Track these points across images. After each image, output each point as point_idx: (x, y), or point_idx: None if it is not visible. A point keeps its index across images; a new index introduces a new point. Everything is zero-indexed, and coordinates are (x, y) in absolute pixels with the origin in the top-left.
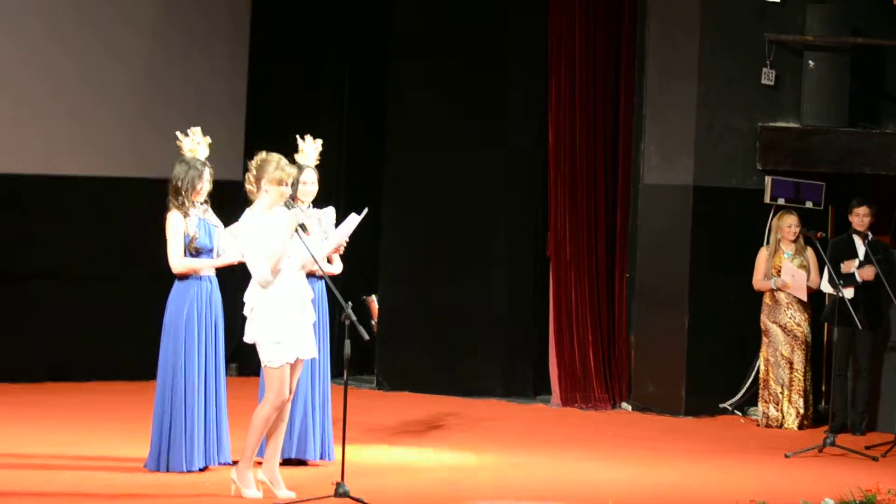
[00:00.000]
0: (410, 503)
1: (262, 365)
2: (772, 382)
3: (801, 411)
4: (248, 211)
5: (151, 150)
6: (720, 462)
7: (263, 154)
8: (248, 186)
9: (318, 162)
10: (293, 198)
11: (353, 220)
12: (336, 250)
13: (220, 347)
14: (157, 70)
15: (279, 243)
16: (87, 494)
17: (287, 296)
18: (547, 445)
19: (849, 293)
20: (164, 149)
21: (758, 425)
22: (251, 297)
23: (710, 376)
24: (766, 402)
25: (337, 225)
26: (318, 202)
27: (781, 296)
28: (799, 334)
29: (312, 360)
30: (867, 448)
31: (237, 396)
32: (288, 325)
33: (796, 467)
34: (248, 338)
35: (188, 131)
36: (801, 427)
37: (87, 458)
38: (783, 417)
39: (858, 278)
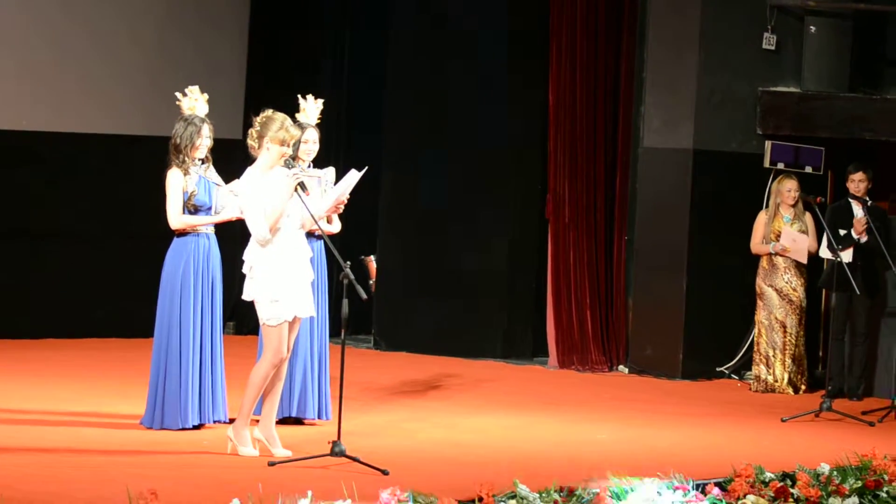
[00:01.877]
0: (407, 463)
1: (261, 323)
2: (764, 345)
3: (795, 375)
4: (249, 169)
5: (155, 109)
6: (717, 426)
7: (269, 112)
8: (249, 142)
9: (319, 121)
10: (294, 157)
11: (353, 177)
12: (335, 209)
13: (218, 304)
14: (161, 31)
15: (278, 203)
16: (83, 450)
17: (286, 254)
18: (545, 407)
19: (847, 255)
20: (169, 107)
21: (751, 389)
22: (250, 255)
23: (708, 340)
24: (758, 365)
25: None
26: (319, 161)
27: (779, 260)
28: (794, 298)
29: (311, 319)
30: (864, 413)
31: (234, 354)
32: (286, 284)
33: (793, 432)
34: (246, 295)
35: (186, 90)
36: (796, 391)
37: (83, 415)
38: (776, 381)
39: (854, 234)
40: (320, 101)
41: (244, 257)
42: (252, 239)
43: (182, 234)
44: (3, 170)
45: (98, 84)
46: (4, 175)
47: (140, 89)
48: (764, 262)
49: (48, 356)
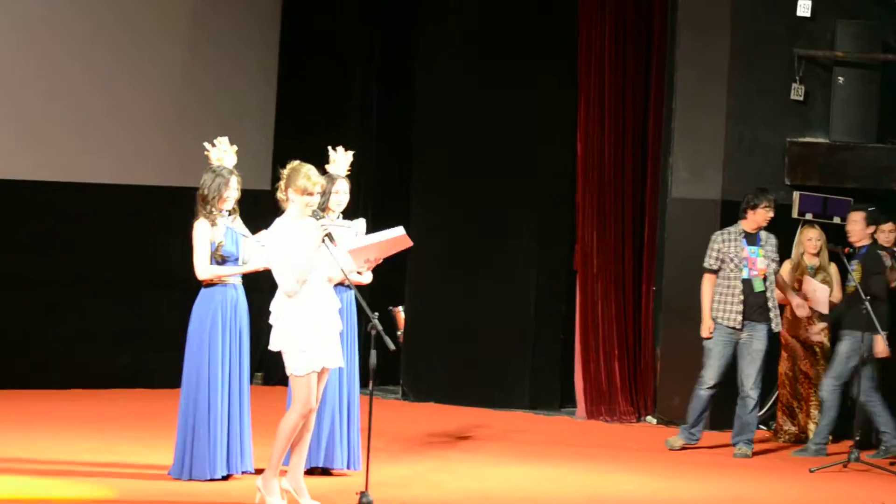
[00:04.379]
0: None
1: (289, 373)
2: (787, 396)
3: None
4: (278, 220)
5: (185, 159)
6: (744, 476)
7: (295, 163)
8: (279, 195)
9: (349, 172)
10: (324, 208)
11: (395, 233)
12: (369, 264)
13: (245, 355)
14: (190, 82)
15: (306, 255)
16: (111, 501)
17: (314, 305)
18: (573, 457)
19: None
20: (197, 157)
21: (777, 439)
22: (277, 305)
23: (737, 390)
24: (783, 416)
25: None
26: (348, 213)
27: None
28: (818, 349)
29: (340, 370)
30: (892, 464)
31: (262, 405)
32: (314, 334)
33: (821, 482)
34: (273, 346)
35: (215, 141)
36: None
37: (111, 465)
38: (801, 432)
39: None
40: (350, 153)
41: (271, 307)
42: (279, 289)
43: (209, 284)
44: (23, 220)
45: (124, 133)
46: (25, 225)
47: (175, 138)
48: (787, 313)
49: (74, 406)
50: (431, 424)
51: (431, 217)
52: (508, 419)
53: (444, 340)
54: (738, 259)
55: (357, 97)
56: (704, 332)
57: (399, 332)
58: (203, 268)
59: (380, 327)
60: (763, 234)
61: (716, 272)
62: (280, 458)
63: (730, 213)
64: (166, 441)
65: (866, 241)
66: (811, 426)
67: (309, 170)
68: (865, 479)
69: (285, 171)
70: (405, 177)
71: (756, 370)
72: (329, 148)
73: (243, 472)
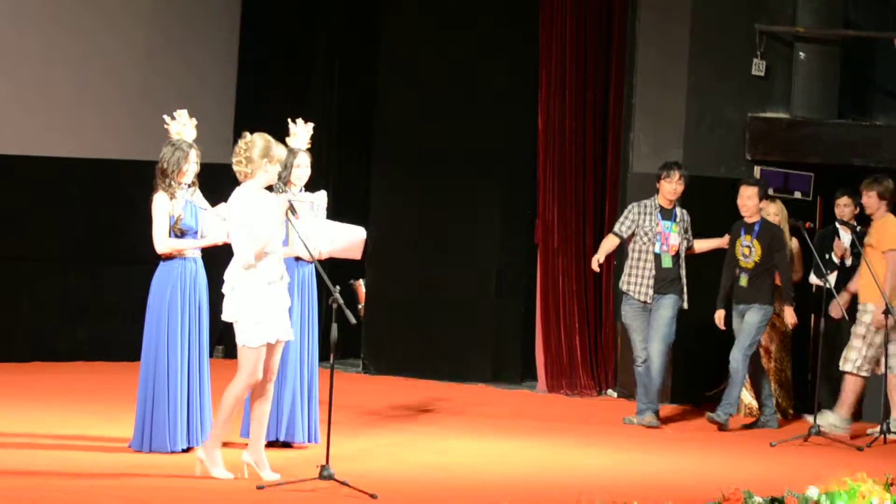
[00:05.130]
0: (395, 487)
1: (239, 344)
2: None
3: (784, 400)
4: (238, 190)
5: (146, 133)
6: (705, 450)
7: (255, 134)
8: (240, 168)
9: (310, 145)
10: (286, 182)
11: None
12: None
13: (204, 328)
14: (150, 57)
15: (267, 229)
16: (72, 474)
17: (268, 277)
18: (533, 431)
19: (831, 280)
20: (158, 131)
21: (738, 413)
22: (232, 275)
23: (697, 365)
24: (744, 389)
25: (328, 211)
26: (310, 186)
27: None
28: (777, 324)
29: (300, 343)
30: (852, 438)
31: (223, 378)
32: (269, 306)
33: (781, 456)
34: (227, 316)
35: (175, 114)
36: (784, 416)
37: (71, 438)
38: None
39: (835, 258)
40: (311, 125)
41: (225, 277)
42: (235, 260)
43: (168, 258)
44: None
45: (90, 109)
46: None
47: (130, 113)
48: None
49: (34, 379)
50: (392, 398)
51: (392, 191)
52: (469, 392)
53: (404, 314)
54: (651, 233)
55: (319, 71)
56: (594, 265)
57: (360, 306)
58: (162, 241)
59: (341, 301)
60: (679, 210)
61: (620, 238)
62: (222, 429)
63: (690, 188)
64: (126, 414)
65: (757, 217)
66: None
67: (272, 138)
68: (826, 453)
69: (248, 143)
70: (366, 150)
71: (661, 337)
72: (289, 120)
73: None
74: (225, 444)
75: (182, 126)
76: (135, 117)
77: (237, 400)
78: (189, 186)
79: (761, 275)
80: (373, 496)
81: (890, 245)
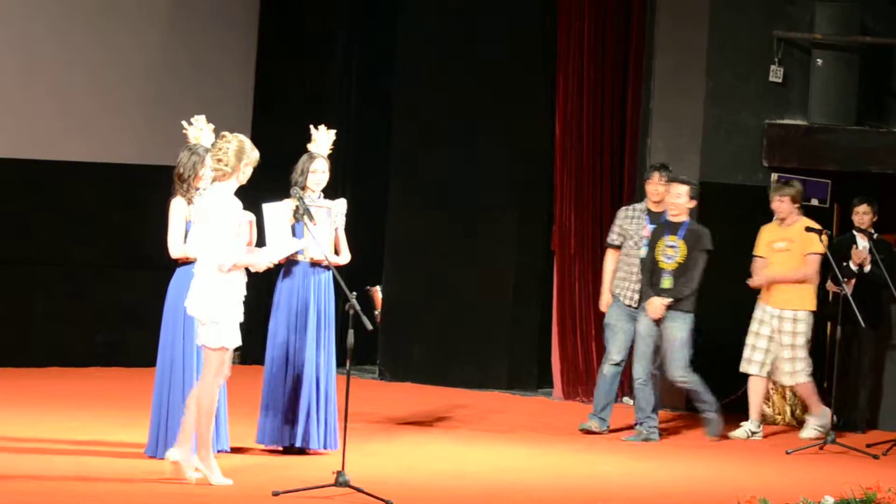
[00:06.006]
0: (410, 493)
1: (215, 345)
2: None
3: (800, 408)
4: (216, 190)
5: (164, 138)
6: (721, 458)
7: (234, 135)
8: (220, 167)
9: (330, 151)
10: (303, 187)
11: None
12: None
13: None
14: (169, 63)
15: (256, 261)
16: (86, 479)
17: (240, 280)
18: (549, 438)
19: (849, 287)
20: (176, 136)
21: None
22: (205, 274)
23: (714, 371)
24: None
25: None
26: (328, 192)
27: None
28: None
29: (318, 350)
30: (868, 446)
31: (238, 383)
32: (238, 310)
33: (797, 464)
34: (197, 314)
35: (192, 119)
36: (800, 424)
37: (86, 443)
38: (777, 413)
39: (853, 265)
40: (333, 133)
41: (195, 271)
42: (211, 258)
43: (185, 263)
44: (1, 198)
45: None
46: (4, 203)
47: (148, 118)
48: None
49: (51, 385)
50: (408, 404)
51: (410, 197)
52: (485, 399)
53: (421, 321)
54: (637, 237)
55: (337, 78)
56: (602, 307)
57: (376, 312)
58: (176, 246)
59: (357, 307)
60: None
61: (617, 248)
62: (210, 434)
63: (707, 195)
64: (142, 419)
65: (685, 217)
66: (787, 408)
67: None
68: (841, 461)
69: (231, 144)
70: (385, 157)
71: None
72: (311, 127)
73: (219, 451)
74: (239, 451)
75: (200, 131)
76: (151, 122)
77: (214, 402)
78: (205, 191)
79: (684, 276)
80: (388, 503)
81: (814, 248)
